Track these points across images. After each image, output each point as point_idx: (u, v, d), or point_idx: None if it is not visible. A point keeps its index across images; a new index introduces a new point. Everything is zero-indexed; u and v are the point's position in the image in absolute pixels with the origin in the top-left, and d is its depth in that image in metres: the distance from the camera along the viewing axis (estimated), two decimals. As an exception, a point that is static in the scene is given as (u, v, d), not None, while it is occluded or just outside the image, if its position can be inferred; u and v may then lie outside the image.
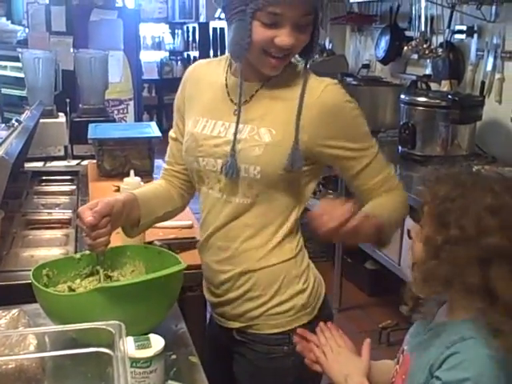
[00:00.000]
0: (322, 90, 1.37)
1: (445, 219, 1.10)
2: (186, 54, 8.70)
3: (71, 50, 5.03)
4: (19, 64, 3.91)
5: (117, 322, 1.03)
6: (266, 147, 1.35)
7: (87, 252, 1.48)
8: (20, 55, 3.54)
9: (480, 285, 1.06)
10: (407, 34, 3.98)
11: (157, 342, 1.16)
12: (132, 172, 1.97)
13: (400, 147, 3.36)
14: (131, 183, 1.93)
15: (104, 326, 1.03)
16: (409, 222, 2.92)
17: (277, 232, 1.43)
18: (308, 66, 1.42)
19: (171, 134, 1.59)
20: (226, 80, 1.45)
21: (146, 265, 1.48)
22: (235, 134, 1.38)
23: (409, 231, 2.92)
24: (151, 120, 7.49)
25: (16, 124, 2.20)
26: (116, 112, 5.69)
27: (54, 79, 3.51)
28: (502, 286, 1.05)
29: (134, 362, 1.10)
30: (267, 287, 1.43)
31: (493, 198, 1.08)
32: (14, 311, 1.36)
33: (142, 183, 1.99)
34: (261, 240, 1.42)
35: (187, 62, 8.60)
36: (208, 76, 1.49)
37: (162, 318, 1.37)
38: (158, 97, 8.55)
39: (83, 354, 1.10)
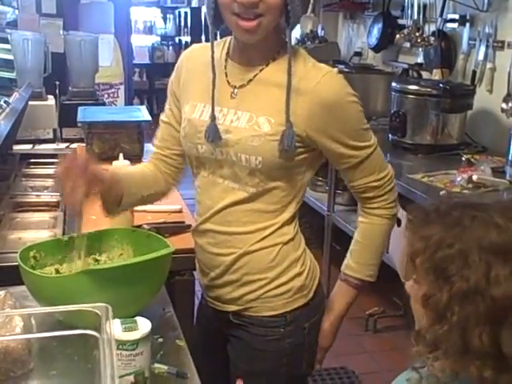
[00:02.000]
0: (319, 81, 1.33)
1: (444, 272, 0.91)
2: (177, 39, 8.65)
3: (61, 32, 4.98)
4: (8, 46, 3.87)
5: (103, 304, 1.03)
6: (265, 137, 1.33)
7: (75, 234, 1.48)
8: (9, 36, 3.50)
9: (487, 348, 0.88)
10: (400, 22, 3.98)
11: (144, 325, 1.15)
12: (121, 155, 1.96)
13: (390, 135, 3.36)
14: (120, 167, 1.93)
15: (91, 309, 1.03)
16: (398, 210, 2.92)
17: (276, 218, 1.42)
18: (291, 44, 1.34)
19: (163, 118, 1.55)
20: (226, 63, 1.42)
21: (134, 248, 1.48)
22: (212, 103, 1.37)
23: (397, 219, 2.91)
24: (142, 104, 7.46)
25: (4, 106, 2.18)
26: (106, 96, 5.65)
27: (44, 61, 3.48)
28: None
29: (121, 344, 1.10)
30: (266, 271, 1.43)
31: (498, 235, 0.90)
32: (1, 293, 1.35)
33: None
34: (260, 225, 1.41)
35: (179, 47, 8.56)
36: (205, 60, 1.43)
37: (148, 301, 1.37)
38: (149, 81, 8.52)
39: (70, 336, 1.10)
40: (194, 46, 1.55)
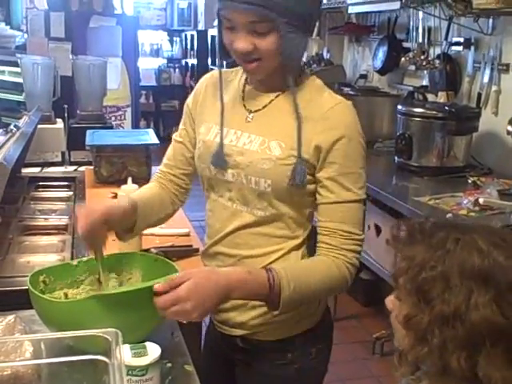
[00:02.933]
0: (332, 107, 1.35)
1: (426, 294, 0.92)
2: (183, 62, 8.73)
3: (70, 56, 5.04)
4: (17, 69, 3.91)
5: (113, 329, 1.03)
6: (275, 161, 1.35)
7: (84, 258, 1.49)
8: (19, 61, 3.54)
9: (465, 372, 0.89)
10: (405, 45, 4.01)
11: (153, 350, 1.16)
12: (130, 179, 1.98)
13: (396, 158, 3.37)
14: (129, 190, 1.94)
15: (101, 334, 1.04)
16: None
17: (284, 243, 1.42)
18: (293, 85, 1.36)
19: (176, 137, 1.57)
20: (244, 88, 1.46)
21: (142, 272, 1.48)
22: (221, 127, 1.41)
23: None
24: (148, 127, 7.51)
25: (14, 130, 2.20)
26: (113, 118, 5.70)
27: (53, 85, 3.52)
28: (493, 374, 0.87)
29: (130, 369, 1.10)
30: None
31: (481, 260, 0.90)
32: (10, 317, 1.36)
33: (139, 191, 2.00)
34: (268, 249, 1.42)
35: (185, 69, 8.64)
36: (224, 85, 1.47)
37: (156, 325, 1.37)
38: (156, 104, 8.57)
39: (79, 362, 1.10)
40: (215, 71, 1.55)
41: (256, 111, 1.42)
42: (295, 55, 1.33)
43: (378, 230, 3.05)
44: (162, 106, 8.51)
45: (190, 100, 1.56)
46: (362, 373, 3.10)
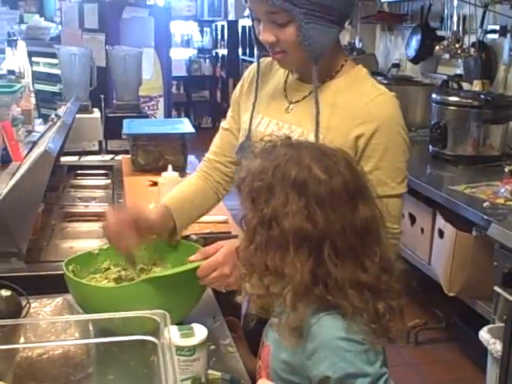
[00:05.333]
0: (371, 99, 1.32)
1: (256, 199, 1.06)
2: (214, 52, 8.75)
3: (104, 46, 5.09)
4: (52, 60, 3.97)
5: (161, 310, 1.05)
6: None
7: (105, 246, 1.51)
8: (57, 51, 3.60)
9: (278, 268, 1.03)
10: (438, 33, 3.97)
11: (200, 331, 1.18)
12: (170, 167, 2.00)
13: (431, 147, 3.35)
14: (169, 178, 1.97)
15: (149, 315, 1.06)
16: (440, 222, 2.90)
17: None
18: (316, 77, 1.34)
19: (224, 125, 1.58)
20: (287, 78, 1.45)
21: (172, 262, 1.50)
22: (251, 118, 1.44)
23: (440, 230, 2.87)
24: (179, 117, 7.54)
25: (55, 119, 2.25)
26: (146, 108, 5.74)
27: (90, 75, 3.57)
28: (295, 274, 1.02)
29: (178, 349, 1.12)
30: None
31: (297, 171, 1.04)
32: (58, 299, 1.40)
33: (180, 178, 2.01)
34: None
35: (215, 59, 8.66)
36: (269, 74, 1.48)
37: (191, 308, 1.41)
38: (186, 94, 8.61)
39: (127, 342, 1.12)
40: (263, 59, 1.53)
41: (296, 102, 1.41)
42: (318, 46, 1.30)
43: (413, 219, 3.04)
44: (192, 96, 8.54)
45: (237, 87, 1.56)
46: (396, 361, 3.09)
